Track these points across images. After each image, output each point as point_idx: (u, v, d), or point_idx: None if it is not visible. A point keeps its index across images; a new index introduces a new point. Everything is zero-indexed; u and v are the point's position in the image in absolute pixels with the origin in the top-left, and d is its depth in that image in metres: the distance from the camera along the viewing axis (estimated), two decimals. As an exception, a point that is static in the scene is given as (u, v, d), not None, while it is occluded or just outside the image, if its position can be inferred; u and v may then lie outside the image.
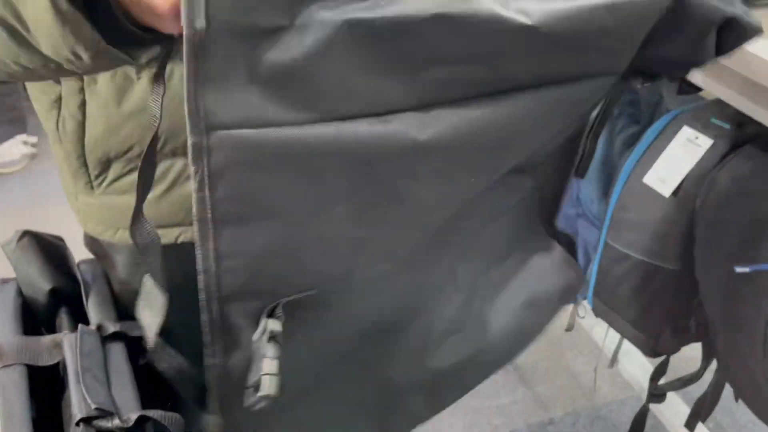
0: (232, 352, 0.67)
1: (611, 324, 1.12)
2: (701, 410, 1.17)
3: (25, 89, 3.22)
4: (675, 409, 1.27)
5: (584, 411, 1.60)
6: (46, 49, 0.51)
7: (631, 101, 1.14)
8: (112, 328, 0.75)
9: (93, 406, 0.65)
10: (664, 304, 1.00)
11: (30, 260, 0.81)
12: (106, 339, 0.74)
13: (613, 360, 1.38)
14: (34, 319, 0.80)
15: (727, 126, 0.93)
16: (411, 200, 0.63)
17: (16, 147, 2.50)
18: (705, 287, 0.93)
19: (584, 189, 1.15)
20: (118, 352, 0.74)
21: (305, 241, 0.63)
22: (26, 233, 0.83)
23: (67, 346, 0.72)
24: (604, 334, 1.41)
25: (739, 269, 0.81)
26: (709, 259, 0.89)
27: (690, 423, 1.20)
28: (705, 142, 0.92)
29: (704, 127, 0.94)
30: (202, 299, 0.62)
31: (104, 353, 0.73)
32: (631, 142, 1.10)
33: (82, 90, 0.71)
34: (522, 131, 0.63)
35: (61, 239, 0.84)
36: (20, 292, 0.81)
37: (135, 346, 0.75)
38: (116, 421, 0.65)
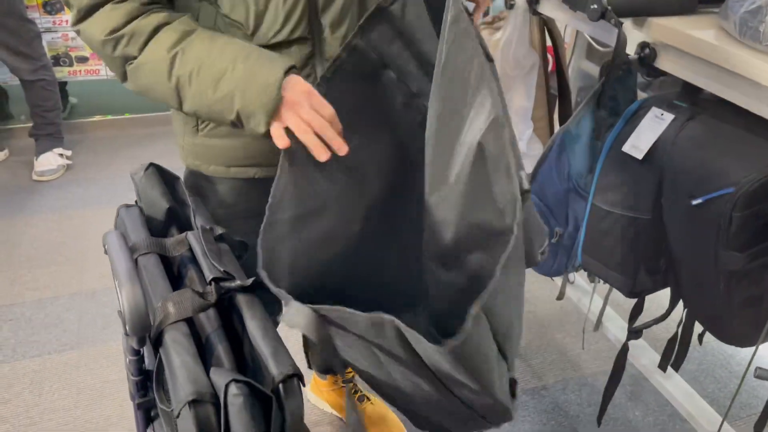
0: None
1: (597, 273, 1.35)
2: (671, 352, 1.39)
3: (64, 109, 3.62)
4: (650, 358, 1.49)
5: (572, 379, 1.81)
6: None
7: (612, 97, 1.41)
8: (219, 230, 0.97)
9: (221, 269, 0.87)
10: (640, 248, 1.25)
11: (153, 185, 1.03)
12: (216, 238, 0.96)
13: (597, 324, 1.61)
14: (151, 232, 1.02)
15: (684, 105, 1.20)
16: None
17: (54, 158, 2.71)
18: (671, 228, 1.17)
19: (574, 166, 1.40)
20: (225, 246, 0.96)
21: None
22: (151, 165, 1.06)
23: (192, 237, 0.95)
24: (588, 304, 1.64)
25: (695, 202, 1.06)
26: (673, 203, 1.14)
27: (662, 365, 1.43)
28: (668, 117, 1.19)
29: (668, 107, 1.21)
30: None
31: (217, 246, 0.95)
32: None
33: None
34: None
35: (176, 176, 1.06)
36: (142, 211, 1.03)
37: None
38: (237, 282, 0.87)
